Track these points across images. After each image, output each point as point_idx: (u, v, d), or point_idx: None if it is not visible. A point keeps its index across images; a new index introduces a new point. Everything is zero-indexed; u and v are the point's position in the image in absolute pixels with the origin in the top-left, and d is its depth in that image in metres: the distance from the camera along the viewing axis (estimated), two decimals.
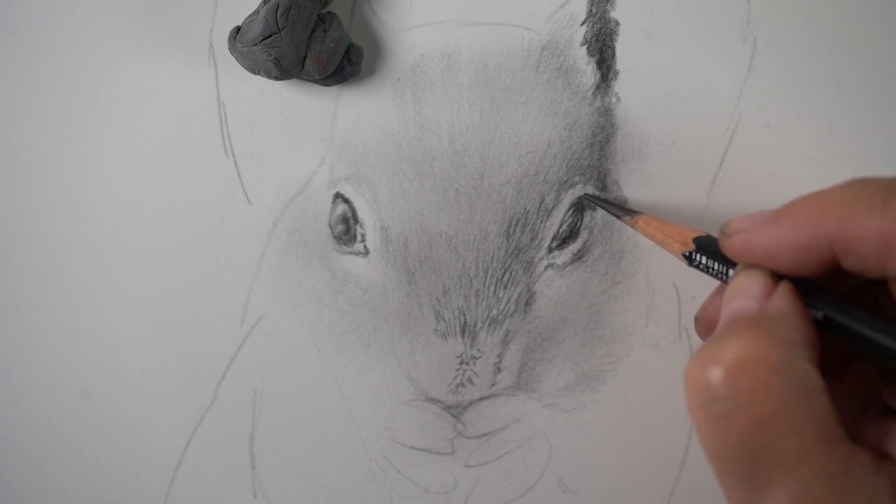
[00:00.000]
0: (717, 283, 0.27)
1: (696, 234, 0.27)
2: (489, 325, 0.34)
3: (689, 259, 0.27)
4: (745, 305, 0.23)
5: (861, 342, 0.21)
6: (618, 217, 0.32)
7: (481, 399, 0.34)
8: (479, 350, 0.34)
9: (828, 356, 0.22)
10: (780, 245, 0.22)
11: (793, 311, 0.22)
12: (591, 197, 0.34)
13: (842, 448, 0.20)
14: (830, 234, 0.21)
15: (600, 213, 0.34)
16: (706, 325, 0.29)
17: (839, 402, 0.21)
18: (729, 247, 0.24)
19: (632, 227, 0.31)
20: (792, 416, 0.20)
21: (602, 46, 0.33)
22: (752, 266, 0.24)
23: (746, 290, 0.23)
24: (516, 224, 0.33)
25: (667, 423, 0.34)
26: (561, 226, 0.34)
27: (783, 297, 0.22)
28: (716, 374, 0.20)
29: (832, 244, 0.21)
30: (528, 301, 0.34)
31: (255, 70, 0.32)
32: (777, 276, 0.23)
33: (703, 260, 0.27)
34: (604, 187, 0.34)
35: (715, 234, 0.26)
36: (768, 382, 0.20)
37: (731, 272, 0.25)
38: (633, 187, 0.34)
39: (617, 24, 0.33)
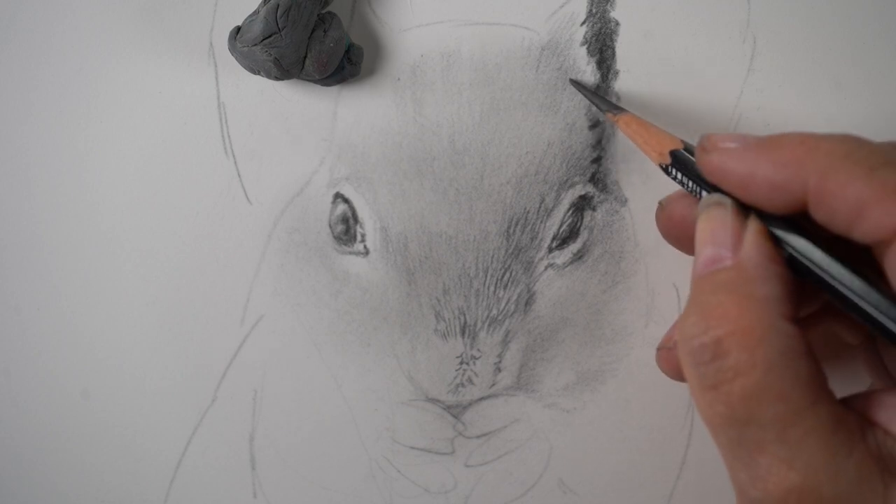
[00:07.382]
0: None
1: (674, 146, 0.27)
2: (489, 325, 0.34)
3: (665, 170, 0.27)
4: (719, 255, 0.23)
5: (822, 284, 0.21)
6: (602, 111, 0.32)
7: (481, 399, 0.34)
8: (479, 350, 0.34)
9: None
10: (756, 178, 0.22)
11: (766, 258, 0.22)
12: (577, 83, 0.33)
13: (829, 409, 0.20)
14: (808, 181, 0.21)
15: (600, 213, 0.34)
16: (668, 219, 0.29)
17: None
18: (706, 163, 0.24)
19: (614, 124, 0.31)
20: (778, 383, 0.20)
21: (602, 46, 0.33)
22: (719, 200, 0.23)
23: (717, 235, 0.23)
24: (516, 224, 0.33)
25: (667, 423, 0.34)
26: (561, 226, 0.34)
27: (754, 245, 0.22)
28: (704, 349, 0.21)
29: (807, 191, 0.21)
30: (528, 301, 0.34)
31: (255, 70, 0.32)
32: (745, 208, 0.23)
33: (678, 176, 0.26)
34: (604, 187, 0.34)
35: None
36: (754, 354, 0.20)
37: (703, 194, 0.25)
38: (633, 187, 0.34)
39: (617, 24, 0.33)
